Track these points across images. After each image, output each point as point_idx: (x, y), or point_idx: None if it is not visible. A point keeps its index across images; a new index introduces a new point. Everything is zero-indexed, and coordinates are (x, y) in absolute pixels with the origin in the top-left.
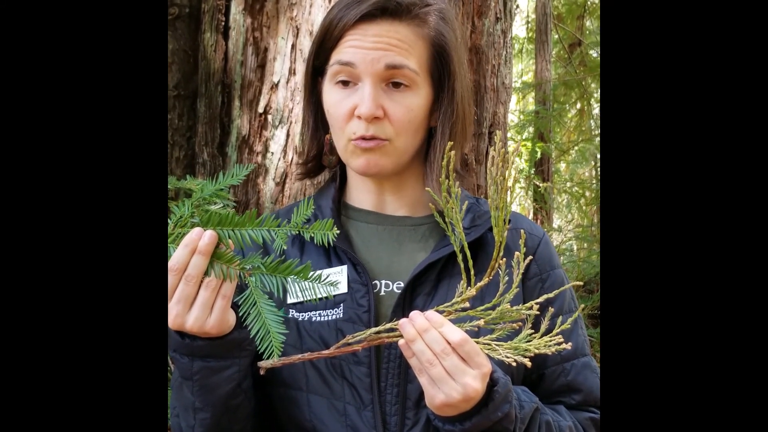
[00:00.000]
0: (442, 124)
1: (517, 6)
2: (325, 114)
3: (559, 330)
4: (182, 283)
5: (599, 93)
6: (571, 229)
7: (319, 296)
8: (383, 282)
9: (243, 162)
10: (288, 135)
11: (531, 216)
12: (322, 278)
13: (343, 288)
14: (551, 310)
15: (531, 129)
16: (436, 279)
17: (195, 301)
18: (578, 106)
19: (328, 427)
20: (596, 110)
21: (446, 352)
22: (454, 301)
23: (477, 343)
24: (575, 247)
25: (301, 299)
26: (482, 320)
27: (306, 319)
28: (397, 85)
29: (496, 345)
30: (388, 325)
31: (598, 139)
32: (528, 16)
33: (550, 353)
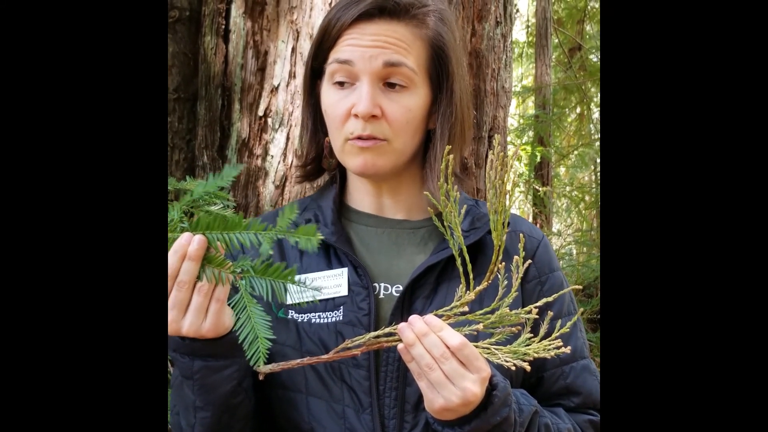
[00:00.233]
0: (440, 126)
1: (518, 10)
2: (323, 116)
3: (558, 333)
4: (175, 289)
5: (599, 97)
6: (570, 234)
7: (307, 300)
8: (382, 285)
9: (243, 165)
10: (288, 138)
11: (530, 220)
12: (308, 282)
13: (343, 291)
14: (550, 313)
15: (531, 133)
16: (435, 282)
17: (189, 307)
18: (578, 110)
19: (326, 430)
20: (596, 114)
21: (445, 357)
22: (453, 305)
23: (476, 347)
24: (575, 252)
25: (298, 301)
26: (481, 324)
27: (305, 320)
28: (395, 85)
29: (495, 349)
30: (387, 330)
31: (598, 143)
32: (528, 20)
33: (549, 357)
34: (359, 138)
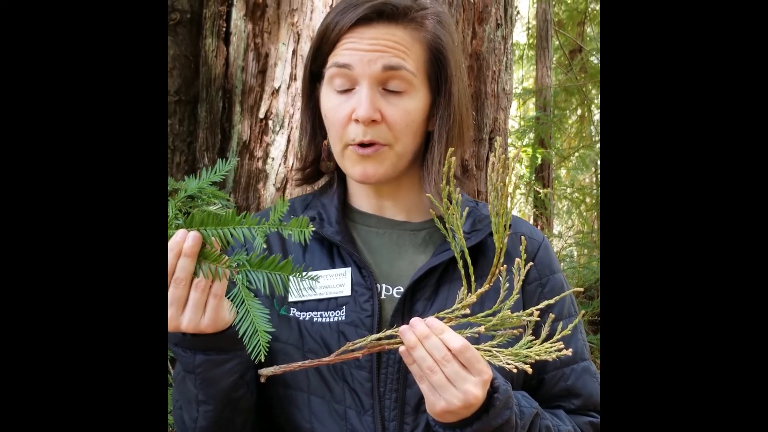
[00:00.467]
0: (439, 128)
1: (518, 12)
2: (322, 119)
3: (559, 335)
4: (172, 286)
5: (600, 99)
6: (571, 236)
7: (308, 297)
8: (384, 286)
9: (244, 167)
10: (289, 140)
11: (531, 222)
12: (305, 275)
13: (346, 290)
14: (551, 315)
15: (531, 135)
16: (436, 284)
17: (187, 303)
18: (579, 112)
19: (327, 430)
20: (597, 116)
21: (447, 359)
22: (454, 307)
23: (477, 349)
24: (575, 254)
25: (303, 299)
26: (483, 326)
27: (307, 319)
28: (395, 91)
29: (497, 351)
30: (389, 332)
31: (599, 145)
32: (529, 22)
33: (550, 359)
34: (360, 145)
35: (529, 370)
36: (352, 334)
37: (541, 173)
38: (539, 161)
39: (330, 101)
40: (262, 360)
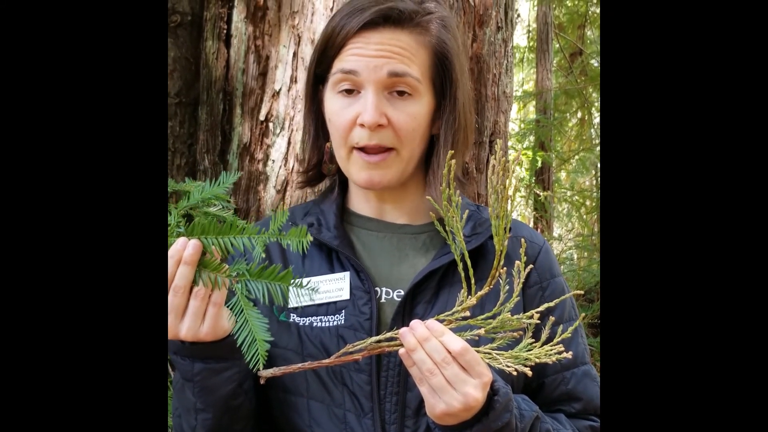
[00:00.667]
0: (444, 132)
1: (519, 15)
2: (325, 122)
3: (559, 339)
4: (171, 294)
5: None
6: (571, 238)
7: (307, 303)
8: (384, 290)
9: (244, 169)
10: (289, 143)
11: (531, 225)
12: (305, 284)
13: (345, 295)
14: (552, 318)
15: (532, 138)
16: (437, 287)
17: (186, 311)
18: (579, 115)
19: None
20: (597, 119)
21: (447, 362)
22: (454, 310)
23: (477, 352)
24: (575, 256)
25: (302, 304)
26: (483, 329)
27: (307, 324)
28: (400, 93)
29: (497, 354)
30: (389, 334)
31: (599, 148)
32: (529, 25)
33: (550, 362)
34: (365, 150)
35: (529, 373)
36: (351, 337)
37: (541, 176)
38: (539, 164)
39: (334, 105)
40: (261, 368)
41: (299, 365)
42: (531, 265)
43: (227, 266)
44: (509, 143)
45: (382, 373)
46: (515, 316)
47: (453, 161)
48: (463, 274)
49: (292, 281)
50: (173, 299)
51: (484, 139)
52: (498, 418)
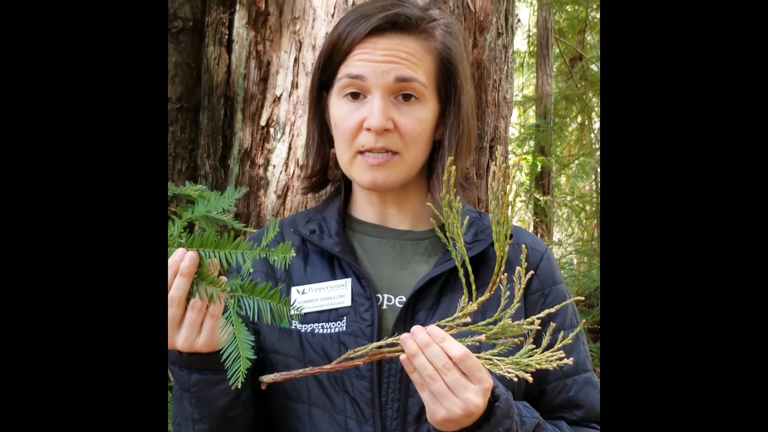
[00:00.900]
0: (448, 137)
1: (519, 20)
2: (329, 128)
3: (560, 345)
4: (168, 304)
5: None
6: (571, 243)
7: (307, 310)
8: (385, 296)
9: (245, 175)
10: (290, 148)
11: (531, 229)
12: (294, 303)
13: (346, 301)
14: (553, 325)
15: (532, 143)
16: (438, 293)
17: (183, 322)
18: (579, 120)
19: None
20: (597, 124)
21: (447, 367)
22: (455, 315)
23: (478, 358)
24: (575, 261)
25: (305, 311)
26: (484, 335)
27: (309, 330)
28: (406, 97)
29: (498, 360)
30: (390, 340)
31: (599, 153)
32: (529, 30)
33: (551, 368)
34: (370, 151)
35: (530, 379)
36: (352, 344)
37: (541, 181)
38: (539, 169)
39: (341, 110)
40: (239, 386)
41: (300, 371)
42: (532, 272)
43: (225, 279)
44: (509, 148)
45: (384, 379)
46: (516, 323)
47: (453, 168)
48: (464, 280)
49: (280, 300)
50: (169, 310)
51: (484, 145)
52: (499, 425)
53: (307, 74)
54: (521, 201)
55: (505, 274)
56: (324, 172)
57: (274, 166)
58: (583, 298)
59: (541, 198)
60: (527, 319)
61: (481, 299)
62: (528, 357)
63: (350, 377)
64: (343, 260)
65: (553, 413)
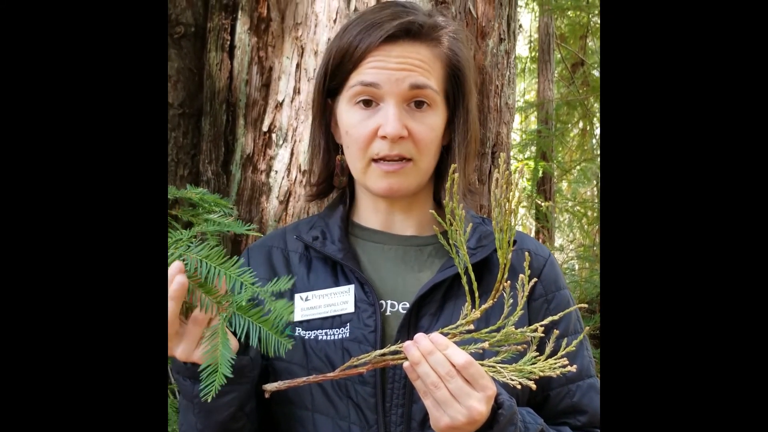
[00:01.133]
0: (458, 143)
1: (521, 26)
2: (335, 135)
3: (564, 352)
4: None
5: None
6: (572, 249)
7: (311, 317)
8: (389, 302)
9: (247, 180)
10: (292, 154)
11: (533, 235)
12: (309, 301)
13: (350, 308)
14: (556, 331)
15: (533, 148)
16: (442, 299)
17: (183, 334)
18: (581, 125)
19: None
20: (599, 130)
21: (451, 375)
22: (458, 323)
23: (482, 365)
24: (577, 267)
25: (308, 318)
26: (487, 342)
27: (312, 337)
28: (419, 104)
29: (501, 367)
30: (393, 348)
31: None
32: (531, 36)
33: (554, 375)
34: (384, 159)
35: (533, 386)
36: (355, 350)
37: (543, 186)
38: (541, 174)
39: (353, 118)
40: (209, 399)
41: (304, 379)
42: (536, 278)
43: (233, 295)
44: (511, 153)
45: (388, 385)
46: (519, 330)
47: (456, 175)
48: (467, 287)
49: (272, 327)
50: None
51: (486, 150)
52: (502, 431)
53: (309, 80)
54: (523, 206)
55: (509, 281)
56: (330, 178)
57: (277, 171)
58: (586, 305)
59: (542, 203)
60: (530, 327)
61: (484, 306)
62: (531, 364)
63: (354, 383)
64: (346, 266)
65: (557, 419)
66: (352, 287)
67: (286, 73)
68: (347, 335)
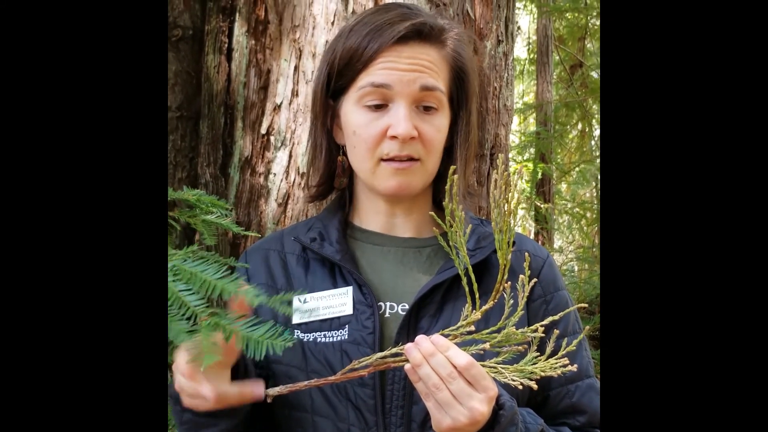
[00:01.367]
0: (460, 145)
1: (519, 28)
2: (336, 136)
3: (564, 352)
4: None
5: (599, 114)
6: (572, 250)
7: (309, 319)
8: (388, 304)
9: (245, 183)
10: (290, 156)
11: (532, 237)
12: (307, 303)
13: (348, 309)
14: (556, 332)
15: (532, 150)
16: (441, 301)
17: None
18: (579, 127)
19: None
20: (597, 131)
21: (452, 376)
22: (459, 324)
23: (483, 366)
24: (576, 268)
25: (306, 320)
26: (487, 343)
27: (311, 340)
28: (426, 107)
29: (502, 368)
30: (394, 350)
31: (599, 160)
32: (529, 37)
33: (555, 375)
34: (394, 159)
35: (535, 386)
36: (354, 352)
37: (542, 188)
38: (540, 176)
39: (361, 118)
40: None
41: (305, 383)
42: (535, 279)
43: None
44: (510, 155)
45: (387, 387)
46: (520, 330)
47: (455, 176)
48: (467, 288)
49: (268, 336)
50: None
51: (485, 152)
52: None
53: (308, 82)
54: (522, 208)
55: (509, 282)
56: (331, 179)
57: (275, 174)
58: (586, 305)
59: (541, 205)
60: (531, 327)
61: (484, 308)
62: (532, 364)
63: (353, 385)
64: (344, 268)
65: (557, 419)
66: (350, 289)
67: (284, 76)
68: (346, 337)
